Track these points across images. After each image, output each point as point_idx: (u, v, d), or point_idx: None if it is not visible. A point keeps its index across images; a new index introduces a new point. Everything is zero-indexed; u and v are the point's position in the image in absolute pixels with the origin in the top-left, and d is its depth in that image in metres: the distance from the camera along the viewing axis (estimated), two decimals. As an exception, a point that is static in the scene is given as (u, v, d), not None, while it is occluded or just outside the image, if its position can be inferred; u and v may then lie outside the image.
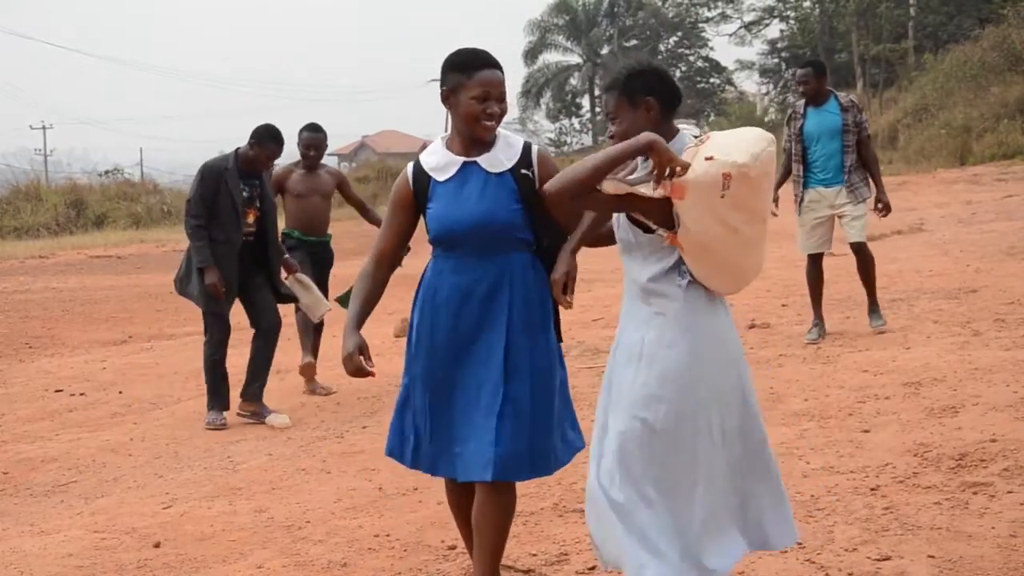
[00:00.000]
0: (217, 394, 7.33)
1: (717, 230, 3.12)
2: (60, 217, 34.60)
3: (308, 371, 8.01)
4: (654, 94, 3.27)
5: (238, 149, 7.34)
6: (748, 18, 62.47)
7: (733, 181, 3.05)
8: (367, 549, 4.55)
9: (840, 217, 8.34)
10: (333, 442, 6.52)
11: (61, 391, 8.88)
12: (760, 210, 3.21)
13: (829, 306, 9.75)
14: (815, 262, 8.54)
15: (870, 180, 8.32)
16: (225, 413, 7.32)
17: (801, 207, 8.52)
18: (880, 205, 8.26)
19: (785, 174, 8.64)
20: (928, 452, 5.19)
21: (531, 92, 67.24)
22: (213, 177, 7.19)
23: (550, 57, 67.98)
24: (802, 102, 8.45)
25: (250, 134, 7.27)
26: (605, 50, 67.65)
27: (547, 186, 3.23)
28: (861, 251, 8.37)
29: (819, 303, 8.46)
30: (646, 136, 3.10)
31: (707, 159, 3.07)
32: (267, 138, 7.23)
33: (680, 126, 3.40)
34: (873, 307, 8.42)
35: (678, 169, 3.05)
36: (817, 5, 55.59)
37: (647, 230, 3.21)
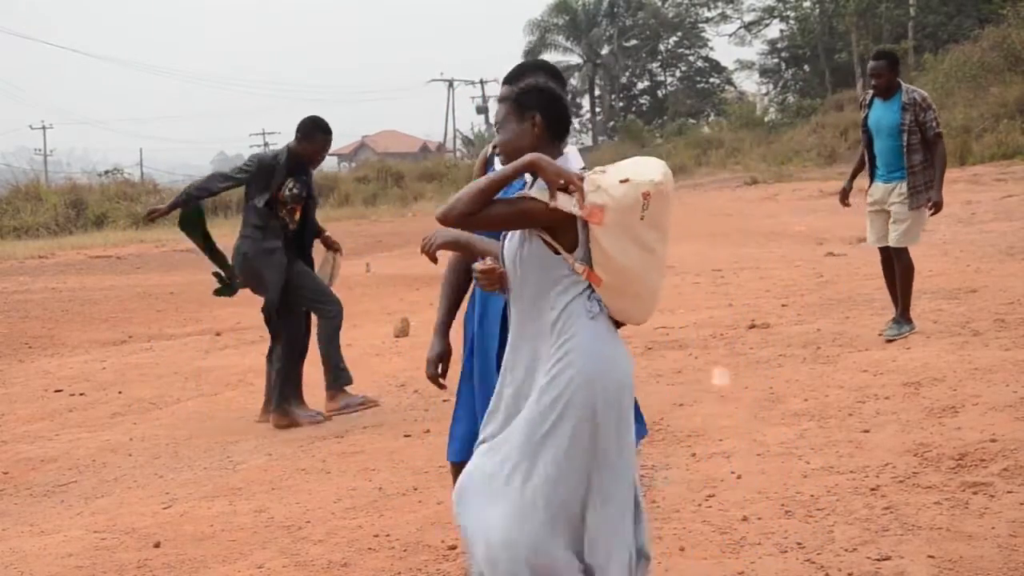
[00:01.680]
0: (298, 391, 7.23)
1: (636, 252, 3.11)
2: (60, 217, 34.63)
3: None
4: (542, 113, 3.24)
5: (289, 145, 7.21)
6: (748, 18, 62.54)
7: (652, 199, 3.07)
8: (367, 549, 4.55)
9: (888, 215, 8.01)
10: (333, 442, 6.52)
11: (61, 391, 8.88)
12: (667, 228, 3.22)
13: (828, 307, 9.76)
14: (883, 256, 8.19)
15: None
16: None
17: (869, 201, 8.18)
18: (930, 203, 7.92)
19: (860, 164, 8.35)
20: (928, 452, 5.19)
21: (531, 92, 67.13)
22: (263, 172, 7.07)
23: (550, 57, 67.96)
24: (871, 91, 8.14)
25: (296, 128, 7.16)
26: (605, 50, 67.70)
27: (437, 211, 3.20)
28: (897, 256, 7.98)
29: (895, 296, 8.14)
30: (527, 156, 3.10)
31: (622, 182, 3.06)
32: (314, 130, 7.12)
33: (566, 150, 3.35)
34: (899, 312, 8.04)
35: (579, 187, 3.04)
36: (817, 5, 55.65)
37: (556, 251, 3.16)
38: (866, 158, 8.19)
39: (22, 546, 4.96)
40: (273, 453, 6.40)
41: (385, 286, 15.20)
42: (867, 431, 5.65)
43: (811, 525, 4.39)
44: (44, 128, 76.94)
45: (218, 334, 11.36)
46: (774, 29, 61.47)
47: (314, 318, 7.31)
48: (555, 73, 3.67)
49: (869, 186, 8.17)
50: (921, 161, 7.91)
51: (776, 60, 62.18)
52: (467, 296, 3.83)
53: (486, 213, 3.12)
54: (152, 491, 5.79)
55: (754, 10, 61.78)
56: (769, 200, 26.11)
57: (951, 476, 4.84)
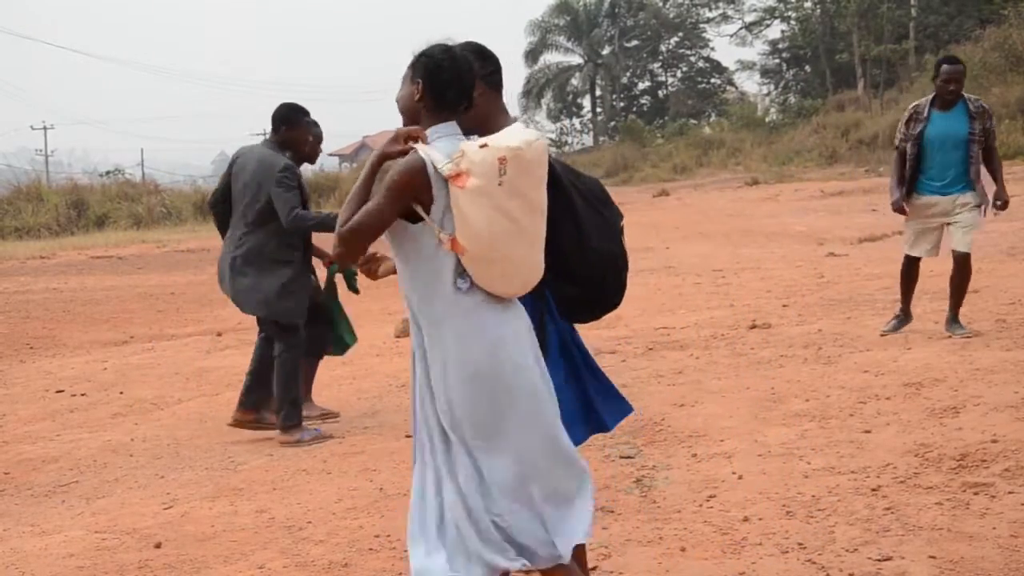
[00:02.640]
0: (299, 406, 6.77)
1: (498, 220, 3.13)
2: (61, 217, 34.62)
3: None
4: (424, 80, 3.30)
5: (275, 141, 6.75)
6: (749, 19, 62.66)
7: (508, 165, 3.10)
8: (368, 549, 4.54)
9: (950, 224, 7.93)
10: (334, 442, 6.52)
11: (62, 391, 8.88)
12: (536, 201, 3.23)
13: (829, 307, 9.77)
14: (913, 263, 8.21)
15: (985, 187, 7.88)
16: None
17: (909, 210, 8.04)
18: (999, 202, 7.85)
19: (900, 173, 8.06)
20: (929, 452, 5.19)
21: (532, 92, 67.31)
22: (296, 177, 6.60)
23: (551, 58, 68.07)
24: (926, 102, 7.97)
25: (275, 120, 6.74)
26: (606, 51, 67.76)
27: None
28: (963, 262, 7.92)
29: (908, 298, 8.20)
30: (373, 155, 3.24)
31: (481, 147, 3.13)
32: (295, 114, 6.74)
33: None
34: (954, 316, 8.05)
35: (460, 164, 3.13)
36: (818, 6, 55.69)
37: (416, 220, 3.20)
38: (911, 172, 7.94)
39: (23, 546, 4.96)
40: (274, 454, 6.41)
41: (386, 286, 15.17)
42: (868, 431, 5.65)
43: (812, 525, 4.38)
44: (45, 128, 76.91)
45: (219, 334, 11.36)
46: (775, 29, 61.64)
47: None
48: (482, 53, 3.62)
49: (912, 197, 7.98)
50: (978, 167, 7.85)
51: (777, 60, 62.24)
52: None
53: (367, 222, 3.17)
54: (153, 491, 5.79)
55: (755, 10, 61.94)
56: (770, 200, 26.10)
57: (952, 476, 4.84)
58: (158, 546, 4.79)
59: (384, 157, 3.22)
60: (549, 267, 3.37)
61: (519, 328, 3.27)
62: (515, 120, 3.62)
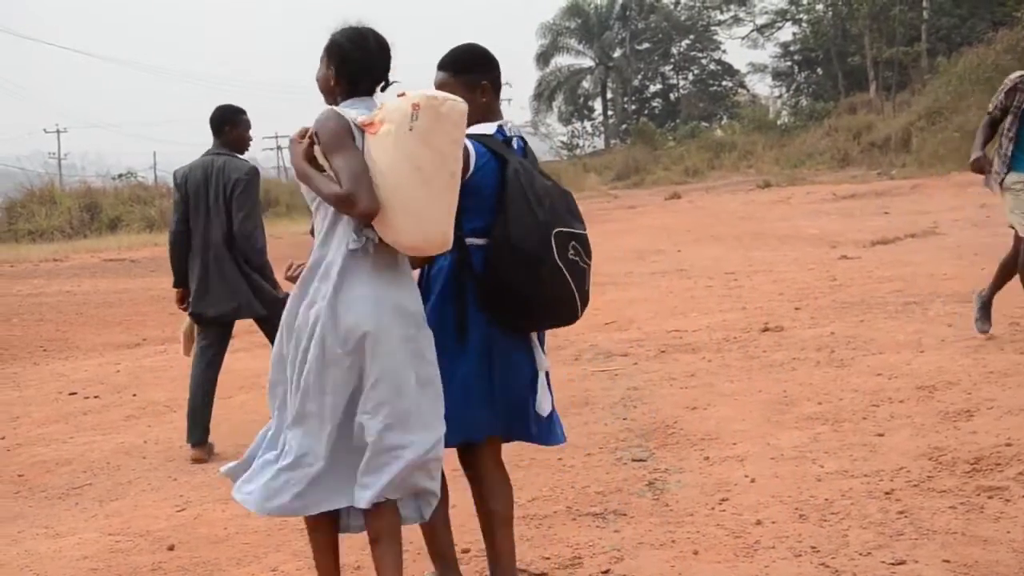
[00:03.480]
0: None
1: (404, 167, 3.17)
2: (74, 220, 34.76)
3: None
4: (336, 68, 3.42)
5: (224, 142, 6.73)
6: (760, 21, 62.55)
7: (421, 111, 3.16)
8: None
9: None
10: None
11: (75, 394, 8.91)
12: (448, 157, 3.24)
13: (842, 310, 9.75)
14: None
15: None
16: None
17: (1005, 187, 7.56)
18: None
19: (984, 136, 7.66)
20: (943, 456, 5.17)
21: (543, 95, 67.36)
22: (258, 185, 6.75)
23: (562, 60, 68.09)
24: None
25: (215, 122, 6.70)
26: (617, 53, 67.73)
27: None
28: None
29: None
30: (295, 161, 3.33)
31: (399, 95, 3.24)
32: (236, 114, 6.77)
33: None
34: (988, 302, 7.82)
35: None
36: (830, 8, 55.55)
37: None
38: (1010, 147, 7.50)
39: (37, 548, 4.98)
40: (287, 456, 6.40)
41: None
42: (881, 435, 5.64)
43: (825, 529, 4.37)
44: (58, 132, 77.25)
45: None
46: (787, 32, 61.53)
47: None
48: (486, 57, 3.73)
49: (1006, 174, 7.50)
50: None
51: (789, 63, 62.12)
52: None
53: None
54: (166, 494, 5.80)
55: (766, 13, 61.82)
56: (782, 203, 26.07)
57: (966, 480, 4.82)
58: (171, 548, 4.81)
59: (299, 155, 3.30)
60: (484, 256, 3.48)
61: (400, 303, 3.31)
62: (508, 122, 3.71)
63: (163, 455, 6.72)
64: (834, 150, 42.34)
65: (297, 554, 4.59)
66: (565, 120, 69.78)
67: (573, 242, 3.52)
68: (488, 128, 3.61)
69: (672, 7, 68.59)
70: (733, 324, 9.49)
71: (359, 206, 3.13)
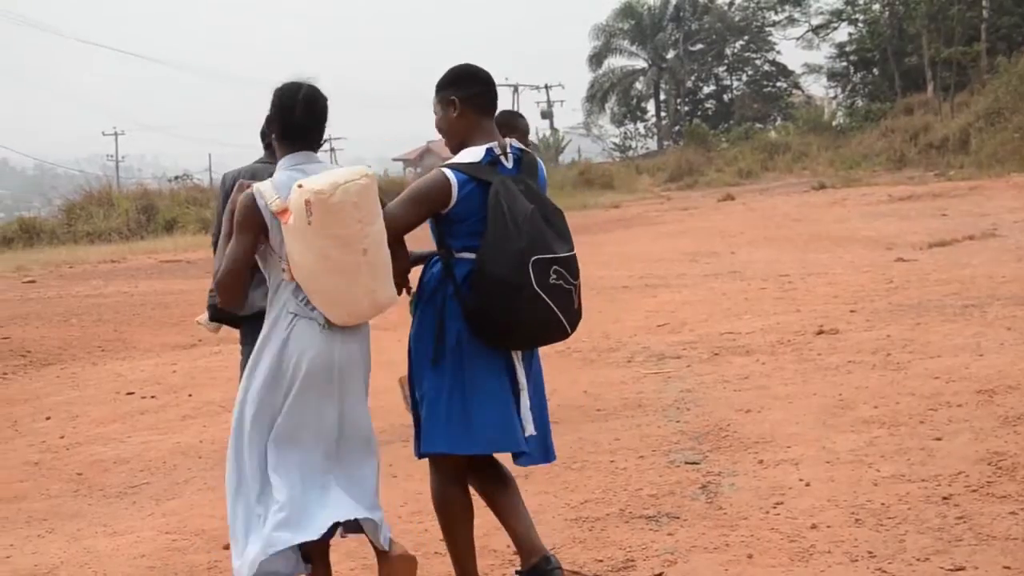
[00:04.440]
0: None
1: (310, 255, 3.35)
2: (131, 222, 35.17)
3: None
4: (277, 121, 3.60)
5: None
6: (816, 21, 61.97)
7: (314, 207, 3.30)
8: (433, 553, 4.56)
9: None
10: (400, 446, 6.54)
11: (132, 394, 9.02)
12: (354, 238, 3.38)
13: (898, 313, 9.63)
14: None
15: None
16: None
17: None
18: None
19: None
20: (1003, 461, 5.09)
21: (596, 97, 67.27)
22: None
23: (615, 62, 67.97)
24: None
25: (267, 135, 6.75)
26: (671, 54, 67.48)
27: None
28: None
29: None
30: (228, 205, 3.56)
31: (297, 187, 3.34)
32: None
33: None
34: None
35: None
36: (887, 8, 54.92)
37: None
38: None
39: (96, 546, 5.05)
40: (340, 456, 6.44)
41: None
42: (939, 439, 5.56)
43: (882, 534, 4.32)
44: (116, 134, 78.34)
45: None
46: (842, 32, 60.89)
47: None
48: (462, 75, 3.79)
49: None
50: None
51: (844, 63, 61.47)
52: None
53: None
54: (221, 493, 5.80)
55: (822, 13, 61.25)
56: (837, 205, 25.80)
57: (1026, 486, 4.75)
58: (226, 547, 4.84)
59: (233, 204, 3.51)
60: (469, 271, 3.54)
61: (336, 357, 3.49)
62: (506, 140, 3.73)
63: (218, 455, 6.78)
64: (890, 151, 41.89)
65: (350, 554, 4.61)
66: (618, 122, 69.64)
67: (555, 266, 3.54)
68: (475, 154, 3.64)
69: (726, 8, 68.23)
70: (787, 326, 9.41)
71: (220, 299, 3.46)
